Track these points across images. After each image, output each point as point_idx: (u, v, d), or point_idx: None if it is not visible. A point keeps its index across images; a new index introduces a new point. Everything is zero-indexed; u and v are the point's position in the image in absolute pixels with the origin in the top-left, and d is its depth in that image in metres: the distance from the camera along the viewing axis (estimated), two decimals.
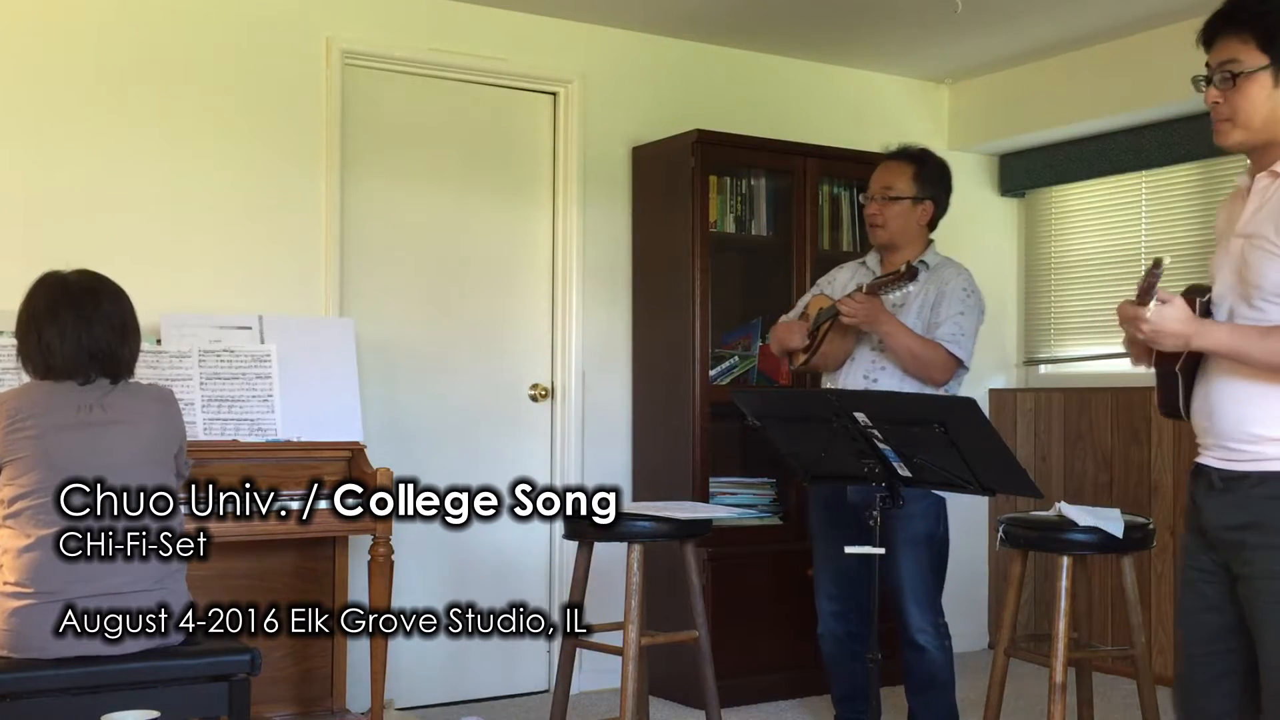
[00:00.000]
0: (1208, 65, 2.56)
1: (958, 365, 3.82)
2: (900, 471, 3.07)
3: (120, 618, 2.98)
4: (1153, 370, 2.71)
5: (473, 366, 4.99)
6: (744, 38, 5.36)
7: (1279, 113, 2.50)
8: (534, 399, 5.10)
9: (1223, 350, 2.49)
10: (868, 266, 4.09)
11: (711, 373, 4.99)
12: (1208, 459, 2.60)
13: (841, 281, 4.13)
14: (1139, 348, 2.68)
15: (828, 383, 4.03)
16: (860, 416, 2.98)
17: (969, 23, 5.10)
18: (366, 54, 4.73)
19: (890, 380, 3.86)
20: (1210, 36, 2.56)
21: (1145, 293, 2.44)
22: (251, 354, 4.11)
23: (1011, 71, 5.76)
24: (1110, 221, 5.73)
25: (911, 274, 3.66)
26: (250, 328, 4.20)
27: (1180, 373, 2.62)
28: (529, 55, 5.04)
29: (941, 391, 3.84)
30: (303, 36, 4.62)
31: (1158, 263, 2.43)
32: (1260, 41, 2.47)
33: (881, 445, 3.02)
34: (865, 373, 3.89)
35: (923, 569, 3.84)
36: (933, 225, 4.03)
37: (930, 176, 3.97)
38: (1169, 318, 2.46)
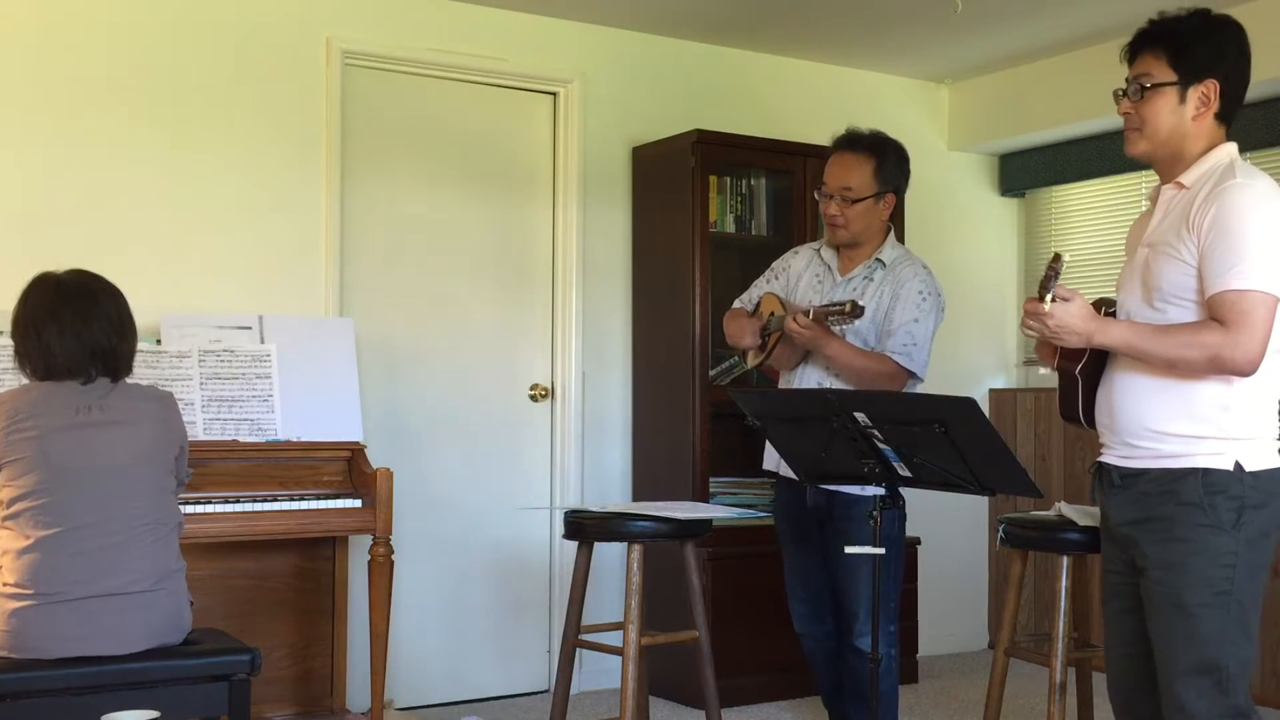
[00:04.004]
0: (1127, 79, 2.73)
1: (909, 376, 3.69)
2: (900, 472, 3.06)
3: (120, 618, 2.98)
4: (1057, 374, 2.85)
5: (473, 366, 4.99)
6: (744, 38, 5.36)
7: (1184, 129, 2.67)
8: (534, 399, 5.10)
9: (1121, 346, 2.62)
10: (823, 258, 3.90)
11: (711, 373, 4.99)
12: (1109, 457, 2.73)
13: (797, 270, 3.96)
14: (1046, 350, 2.83)
15: (784, 382, 3.93)
16: (860, 416, 2.98)
17: (969, 23, 5.10)
18: (366, 54, 4.73)
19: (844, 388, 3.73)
20: (1132, 53, 2.73)
21: (1044, 285, 2.58)
22: (251, 354, 4.11)
23: (1011, 71, 5.76)
24: (1110, 221, 5.73)
25: (857, 313, 3.47)
26: (250, 328, 4.20)
27: (1080, 375, 2.75)
28: (529, 55, 5.04)
29: None
30: (303, 36, 4.62)
31: (1057, 257, 2.58)
32: (1170, 59, 2.65)
33: (881, 445, 3.02)
34: (819, 380, 3.76)
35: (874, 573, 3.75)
36: (895, 215, 3.86)
37: (892, 167, 3.75)
38: (1071, 313, 2.61)
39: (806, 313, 3.62)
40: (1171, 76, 2.65)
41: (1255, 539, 2.57)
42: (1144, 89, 2.66)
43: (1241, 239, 2.52)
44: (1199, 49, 2.64)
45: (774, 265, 4.10)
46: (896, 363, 3.67)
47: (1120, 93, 2.74)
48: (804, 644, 3.99)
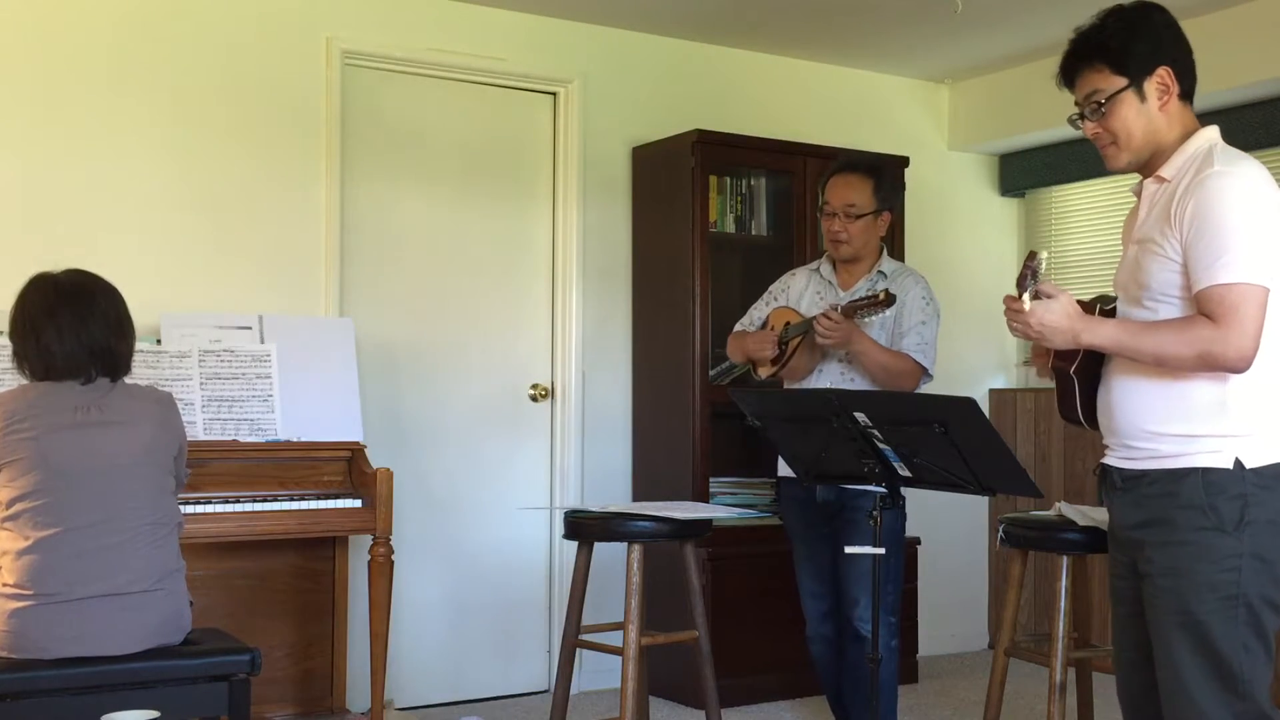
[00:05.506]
0: (1076, 103, 2.68)
1: (923, 374, 3.84)
2: (900, 472, 3.06)
3: (120, 618, 2.98)
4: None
5: (472, 366, 4.99)
6: (744, 38, 5.36)
7: (1155, 124, 2.61)
8: (534, 399, 5.10)
9: (1110, 345, 2.56)
10: (823, 276, 4.02)
11: (711, 373, 4.99)
12: (1110, 459, 2.66)
13: (797, 289, 4.06)
14: (1039, 356, 2.78)
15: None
16: (860, 416, 2.98)
17: (969, 23, 5.10)
18: (366, 54, 4.74)
19: None
20: (1069, 76, 2.69)
21: (1020, 284, 2.52)
22: (251, 354, 4.11)
23: (1011, 71, 5.76)
24: (1110, 221, 5.73)
25: (890, 301, 3.64)
26: (250, 328, 4.20)
27: (1075, 375, 2.68)
28: (529, 55, 5.04)
29: None
30: (303, 36, 4.62)
31: (1033, 255, 2.53)
32: (1113, 67, 2.59)
33: (881, 445, 3.02)
34: (834, 382, 3.84)
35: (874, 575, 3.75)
36: (889, 234, 4.06)
37: (888, 188, 3.98)
38: (1054, 312, 2.54)
39: (836, 308, 3.74)
40: (1121, 82, 2.58)
41: (1261, 537, 2.48)
42: (1101, 106, 2.60)
43: (1224, 230, 2.43)
44: (1135, 45, 2.58)
45: (771, 289, 4.17)
46: (915, 360, 3.81)
47: (1077, 117, 2.67)
48: (813, 646, 4.00)
